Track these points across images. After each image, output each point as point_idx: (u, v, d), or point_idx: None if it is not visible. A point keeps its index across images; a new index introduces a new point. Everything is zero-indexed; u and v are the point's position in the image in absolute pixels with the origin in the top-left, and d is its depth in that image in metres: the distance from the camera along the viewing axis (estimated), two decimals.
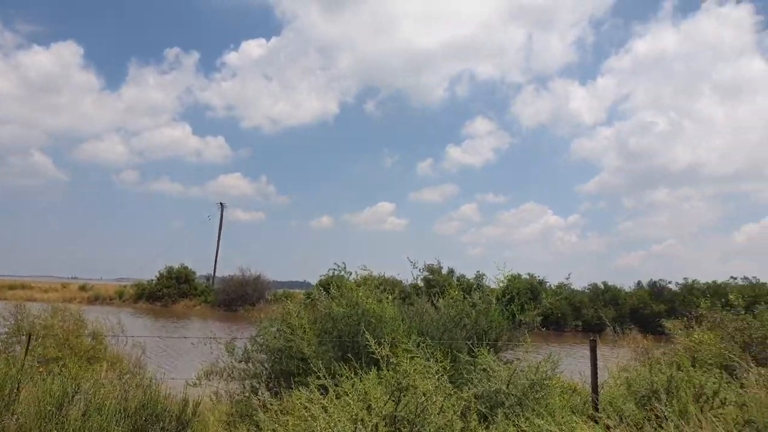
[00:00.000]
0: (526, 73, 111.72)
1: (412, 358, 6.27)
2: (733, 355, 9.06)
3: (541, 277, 41.93)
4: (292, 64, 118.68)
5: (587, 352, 6.40)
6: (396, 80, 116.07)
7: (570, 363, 9.01)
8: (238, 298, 46.97)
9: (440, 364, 5.93)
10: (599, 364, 7.18)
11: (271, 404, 5.80)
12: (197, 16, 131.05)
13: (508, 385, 5.98)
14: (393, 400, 4.78)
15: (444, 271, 39.17)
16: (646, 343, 13.17)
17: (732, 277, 39.98)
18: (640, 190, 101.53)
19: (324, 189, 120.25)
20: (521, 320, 9.03)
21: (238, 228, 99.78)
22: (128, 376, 7.48)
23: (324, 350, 7.46)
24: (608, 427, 5.19)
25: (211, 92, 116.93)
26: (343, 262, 9.27)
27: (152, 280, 53.56)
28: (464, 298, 8.91)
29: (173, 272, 53.30)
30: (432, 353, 6.77)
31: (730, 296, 10.98)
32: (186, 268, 54.45)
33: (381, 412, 4.63)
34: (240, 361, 7.91)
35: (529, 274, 41.27)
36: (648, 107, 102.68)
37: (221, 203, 64.87)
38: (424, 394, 4.85)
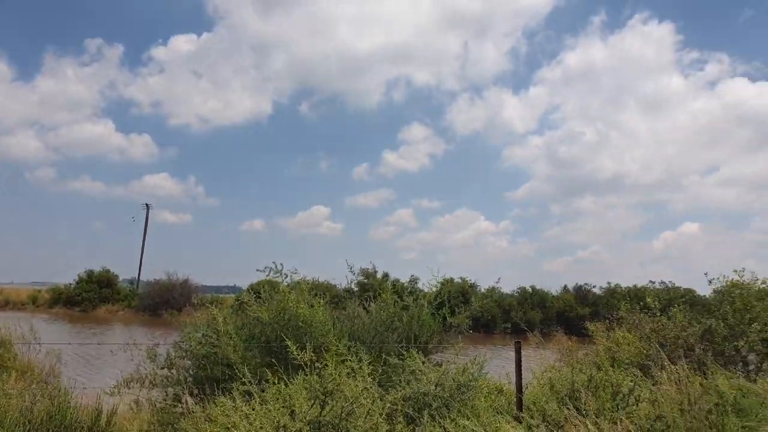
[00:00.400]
0: (462, 80, 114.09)
1: (342, 362, 6.21)
2: (649, 354, 9.53)
3: (472, 281, 42.98)
4: (223, 62, 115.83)
5: (510, 353, 6.56)
6: (332, 83, 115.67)
7: (497, 364, 9.20)
8: (164, 303, 45.20)
9: (369, 368, 5.89)
10: (525, 365, 7.37)
11: (194, 411, 5.59)
12: (121, 6, 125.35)
13: (436, 386, 6.02)
14: (318, 405, 4.69)
15: (379, 276, 39.37)
16: (570, 345, 13.66)
17: (650, 282, 42.12)
18: (567, 197, 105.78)
19: (256, 191, 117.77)
20: (451, 323, 9.14)
21: (164, 230, 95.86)
22: (35, 385, 7.02)
23: (251, 356, 7.27)
24: (531, 427, 5.31)
25: (136, 87, 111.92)
26: (281, 263, 9.08)
27: (70, 284, 50.82)
28: (395, 302, 8.93)
29: (94, 276, 50.69)
30: (362, 357, 6.74)
31: (648, 299, 11.52)
32: (108, 271, 52.00)
33: (305, 418, 4.54)
34: (163, 368, 7.58)
35: (461, 278, 42.21)
36: (577, 118, 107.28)
37: (146, 204, 62.25)
38: (351, 398, 4.80)
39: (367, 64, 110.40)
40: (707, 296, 13.72)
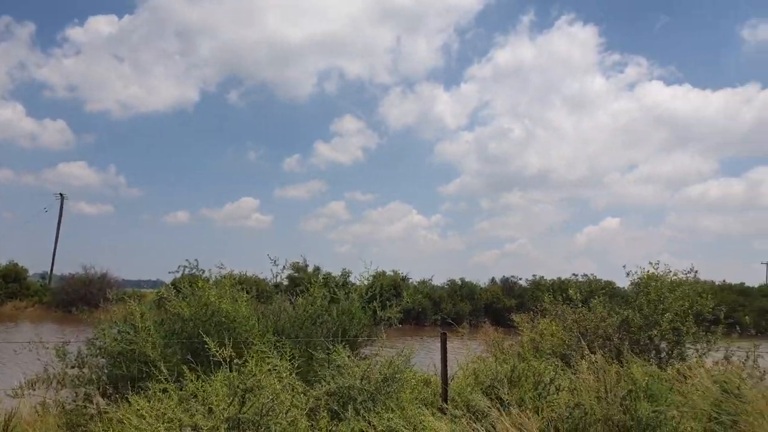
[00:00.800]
0: (394, 74, 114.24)
1: (264, 358, 6.04)
2: (571, 344, 9.87)
3: (404, 274, 43.41)
4: (146, 46, 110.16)
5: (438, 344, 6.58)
6: (261, 72, 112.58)
7: (425, 356, 9.25)
8: (79, 298, 42.62)
9: (292, 363, 5.76)
10: (453, 356, 7.43)
11: (106, 412, 5.27)
12: None
13: (361, 380, 5.96)
14: (237, 402, 4.52)
15: (310, 269, 39.05)
16: (497, 336, 13.94)
17: (574, 274, 43.95)
18: (496, 192, 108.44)
19: (181, 182, 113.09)
20: (381, 317, 9.10)
21: (82, 222, 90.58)
22: None
23: (171, 353, 6.97)
24: (455, 418, 5.35)
25: (49, 69, 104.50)
26: (196, 260, 8.74)
27: None
28: (324, 295, 8.80)
29: None
30: (287, 352, 6.59)
31: (570, 291, 11.91)
32: (16, 265, 48.58)
33: (222, 416, 4.36)
34: (73, 367, 7.13)
35: (393, 271, 42.55)
36: (506, 114, 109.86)
37: (61, 194, 58.68)
38: (271, 395, 4.65)
39: (298, 53, 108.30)
40: (625, 288, 14.35)
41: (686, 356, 9.99)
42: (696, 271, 11.44)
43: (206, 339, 5.60)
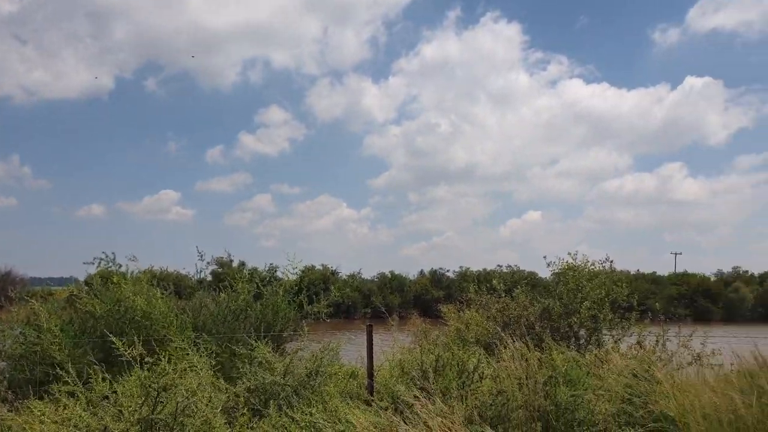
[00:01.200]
0: (322, 65, 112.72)
1: (183, 355, 5.79)
2: (495, 333, 10.08)
3: (334, 268, 43.26)
4: (53, 28, 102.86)
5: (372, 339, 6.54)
6: (182, 59, 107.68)
7: (354, 350, 9.20)
8: None
9: (211, 360, 5.54)
10: (382, 348, 7.41)
11: (4, 419, 4.86)
12: None
13: (284, 376, 5.82)
14: (150, 403, 4.27)
15: (235, 264, 38.16)
16: (425, 327, 14.07)
17: (498, 266, 45.34)
18: (423, 186, 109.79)
19: (95, 173, 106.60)
20: (308, 311, 8.96)
21: None
22: None
23: (81, 353, 6.55)
24: (380, 410, 5.30)
25: None
26: (113, 253, 8.25)
27: None
28: (248, 291, 8.56)
29: None
30: (207, 349, 6.35)
31: (494, 282, 12.16)
32: None
33: (132, 417, 4.11)
34: None
35: (322, 265, 42.31)
36: (433, 109, 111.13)
37: None
38: (186, 394, 4.44)
39: (221, 41, 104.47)
40: (547, 278, 14.82)
41: (603, 342, 10.41)
42: (611, 261, 11.94)
43: (113, 338, 5.27)
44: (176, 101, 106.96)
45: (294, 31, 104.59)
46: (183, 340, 6.29)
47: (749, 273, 69.72)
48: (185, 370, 4.91)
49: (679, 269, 68.91)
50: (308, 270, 38.85)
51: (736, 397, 5.63)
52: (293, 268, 9.53)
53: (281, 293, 8.68)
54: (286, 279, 9.61)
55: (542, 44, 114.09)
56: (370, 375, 6.18)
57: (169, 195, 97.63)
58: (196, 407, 4.59)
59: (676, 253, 73.64)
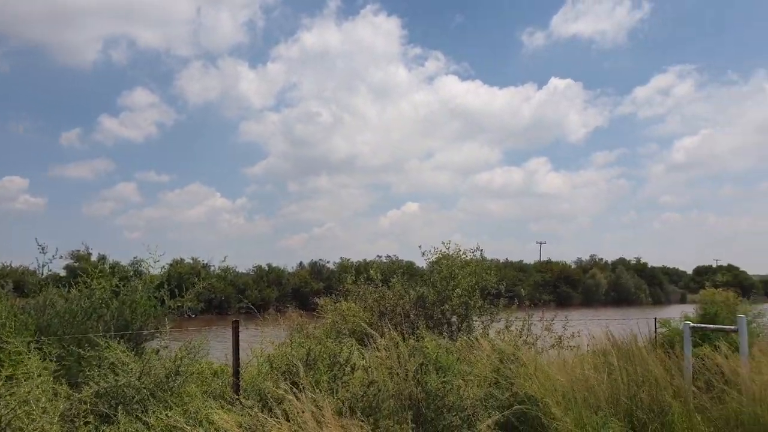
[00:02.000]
0: (195, 47, 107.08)
1: (19, 360, 5.09)
2: (372, 323, 10.04)
3: (205, 261, 41.46)
4: None
5: (243, 335, 6.19)
6: (32, 31, 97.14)
7: (219, 347, 8.74)
8: None
9: (52, 365, 4.91)
10: (254, 344, 7.04)
11: None
12: None
13: (140, 377, 5.30)
14: None
15: (94, 258, 35.13)
16: (301, 320, 13.78)
17: (378, 256, 46.01)
18: (304, 175, 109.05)
19: None
20: (170, 306, 8.32)
21: None
22: None
23: None
24: (245, 408, 5.00)
25: None
26: None
27: None
28: (103, 287, 7.78)
29: None
30: (50, 352, 5.64)
31: (371, 272, 12.16)
32: None
33: None
34: None
35: (193, 258, 40.37)
36: (313, 98, 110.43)
37: None
38: (15, 404, 3.85)
39: (79, 14, 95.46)
40: (423, 267, 15.11)
41: (473, 328, 10.77)
42: (481, 250, 12.40)
43: None
44: (24, 77, 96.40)
45: (163, 9, 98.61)
46: (18, 343, 5.53)
47: (604, 260, 76.91)
48: (16, 377, 4.27)
49: (544, 257, 74.37)
50: (176, 263, 36.81)
51: (591, 375, 5.97)
52: (155, 261, 8.83)
53: (140, 288, 7.97)
54: (157, 273, 8.90)
55: (421, 40, 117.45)
56: (236, 372, 5.82)
57: (15, 182, 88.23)
58: (28, 418, 4.00)
59: (540, 243, 79.47)
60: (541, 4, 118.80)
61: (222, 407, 5.13)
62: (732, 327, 7.31)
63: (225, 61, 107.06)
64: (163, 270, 9.22)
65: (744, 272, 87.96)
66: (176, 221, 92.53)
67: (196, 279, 8.84)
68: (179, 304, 8.42)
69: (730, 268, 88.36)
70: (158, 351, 7.01)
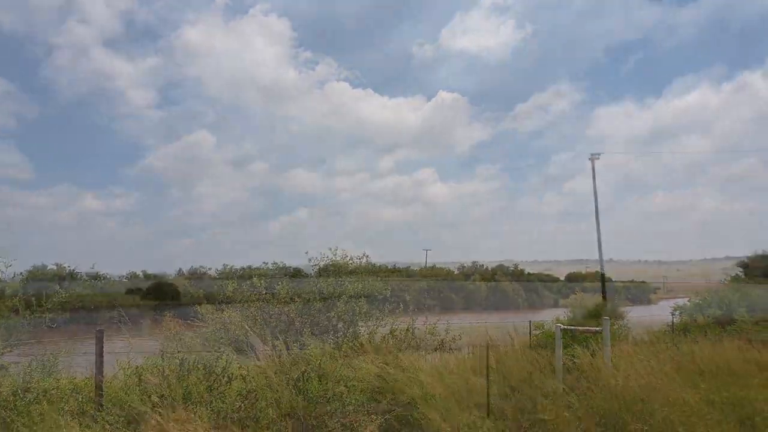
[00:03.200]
0: (63, 35, 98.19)
1: None
2: (254, 331, 9.68)
3: (72, 267, 38.29)
4: None
5: (113, 346, 5.66)
6: None
7: (81, 361, 7.99)
8: None
9: None
10: (124, 357, 6.45)
11: None
12: None
13: None
14: None
15: None
16: (178, 329, 13.05)
17: (264, 262, 44.81)
18: (187, 178, 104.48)
19: None
20: (25, 317, 7.44)
21: None
22: None
23: None
24: (108, 425, 4.56)
25: None
26: None
27: None
28: None
29: None
30: None
31: (254, 279, 11.76)
32: None
33: None
34: None
35: (56, 264, 37.13)
36: (198, 96, 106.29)
37: None
38: None
39: None
40: (312, 274, 14.88)
41: (359, 334, 10.73)
42: (368, 257, 12.42)
43: None
44: None
45: None
46: None
47: (484, 266, 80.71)
48: None
49: (429, 263, 76.61)
50: (37, 270, 33.19)
51: (469, 377, 6.11)
52: (6, 267, 7.86)
53: None
54: None
55: (312, 45, 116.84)
56: (98, 387, 5.30)
57: None
58: None
59: (426, 250, 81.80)
60: (432, 16, 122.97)
61: (81, 425, 4.64)
62: (597, 328, 7.83)
63: (98, 52, 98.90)
64: (18, 277, 8.28)
65: (609, 278, 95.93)
66: (40, 225, 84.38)
67: (58, 287, 8.01)
68: (37, 315, 7.56)
69: (598, 275, 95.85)
70: (8, 367, 6.26)
